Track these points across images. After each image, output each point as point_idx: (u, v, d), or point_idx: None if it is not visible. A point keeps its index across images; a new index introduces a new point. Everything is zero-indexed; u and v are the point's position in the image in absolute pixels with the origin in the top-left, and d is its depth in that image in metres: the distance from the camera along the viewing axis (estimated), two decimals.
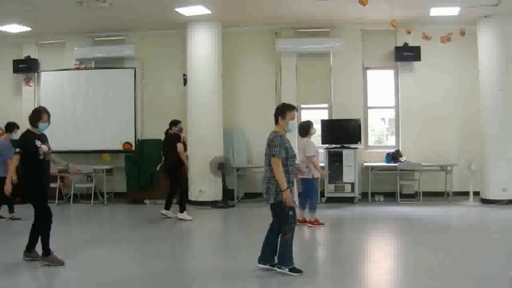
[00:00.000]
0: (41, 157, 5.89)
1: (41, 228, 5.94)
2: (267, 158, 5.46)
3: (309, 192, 8.28)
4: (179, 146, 9.08)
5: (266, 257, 5.57)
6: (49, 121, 6.07)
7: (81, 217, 10.01)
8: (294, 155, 5.53)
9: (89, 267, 5.99)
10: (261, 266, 5.57)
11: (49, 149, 6.04)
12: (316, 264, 6.41)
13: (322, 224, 8.31)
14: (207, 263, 6.33)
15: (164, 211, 9.29)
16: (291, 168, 5.46)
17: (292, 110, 5.57)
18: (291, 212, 5.41)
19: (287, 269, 5.41)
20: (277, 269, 5.47)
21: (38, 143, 5.90)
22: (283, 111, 5.56)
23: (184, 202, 9.26)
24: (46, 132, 6.17)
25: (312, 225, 8.24)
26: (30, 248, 6.02)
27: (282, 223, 5.45)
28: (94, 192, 11.14)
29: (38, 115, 6.00)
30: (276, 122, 5.58)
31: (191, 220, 9.07)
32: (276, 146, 5.33)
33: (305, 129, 8.37)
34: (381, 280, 5.54)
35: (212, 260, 6.59)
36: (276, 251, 5.52)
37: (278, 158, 5.30)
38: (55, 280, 5.63)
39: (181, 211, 9.14)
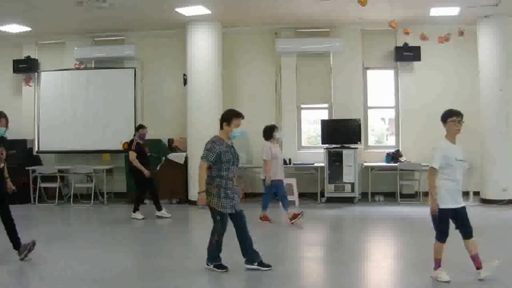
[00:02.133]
0: None
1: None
2: None
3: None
4: (130, 154, 9.16)
5: (246, 257, 5.62)
6: (7, 126, 6.32)
7: (81, 217, 10.01)
8: (231, 160, 5.51)
9: (87, 267, 5.99)
10: (248, 266, 5.60)
11: (1, 153, 6.13)
12: (316, 264, 6.41)
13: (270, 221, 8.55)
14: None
15: (158, 213, 9.30)
16: (225, 173, 5.47)
17: (238, 117, 5.71)
18: (218, 217, 5.48)
19: (212, 265, 5.56)
20: (206, 266, 5.61)
21: None
22: (230, 118, 5.67)
23: (138, 203, 9.30)
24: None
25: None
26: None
27: (214, 226, 5.55)
28: (94, 192, 11.14)
29: None
30: (221, 127, 5.69)
31: (144, 219, 9.14)
32: (205, 149, 5.48)
33: (267, 132, 8.61)
34: (381, 280, 5.54)
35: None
36: (249, 248, 5.59)
37: (203, 161, 5.41)
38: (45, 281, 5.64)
39: (134, 210, 9.23)
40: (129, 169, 9.45)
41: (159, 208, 9.30)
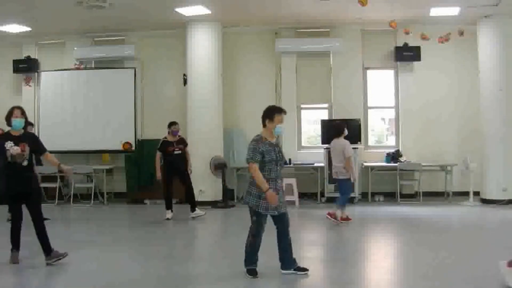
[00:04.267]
0: (9, 159, 5.76)
1: (13, 228, 5.95)
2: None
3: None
4: (157, 155, 9.16)
5: (284, 263, 5.50)
6: (23, 116, 5.95)
7: (81, 217, 10.00)
8: (273, 160, 5.27)
9: (88, 268, 5.98)
10: (284, 272, 5.48)
11: (23, 151, 5.83)
12: (316, 264, 6.41)
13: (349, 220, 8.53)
14: (206, 265, 6.33)
15: (192, 214, 9.24)
16: (267, 174, 5.25)
17: (280, 113, 5.38)
18: (254, 217, 5.36)
19: (245, 269, 5.42)
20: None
21: (8, 145, 5.76)
22: (272, 114, 5.36)
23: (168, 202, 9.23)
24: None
25: (340, 221, 8.44)
26: (12, 247, 5.98)
27: (251, 227, 5.43)
28: (94, 192, 11.13)
29: (9, 112, 5.92)
30: (264, 125, 5.39)
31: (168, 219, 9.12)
32: (249, 150, 5.27)
33: (341, 129, 8.60)
34: (381, 280, 5.54)
35: (212, 262, 6.59)
36: (289, 253, 5.47)
37: (251, 162, 5.23)
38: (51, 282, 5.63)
39: (167, 208, 9.20)
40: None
41: (193, 209, 9.24)
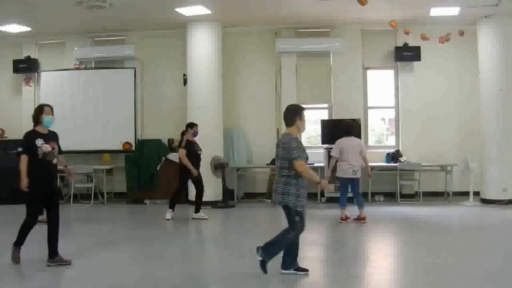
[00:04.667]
0: (40, 157, 5.69)
1: (26, 226, 5.78)
2: (281, 161, 5.30)
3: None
4: (180, 151, 9.04)
5: (286, 263, 5.48)
6: (52, 114, 5.90)
7: (81, 217, 10.00)
8: (307, 157, 5.39)
9: (90, 270, 5.98)
10: (284, 272, 5.46)
11: (53, 149, 5.81)
12: (316, 264, 6.41)
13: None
14: (210, 266, 6.33)
15: (195, 215, 9.23)
16: None
17: (304, 110, 5.49)
18: (297, 218, 5.28)
19: (260, 259, 5.30)
20: (282, 271, 5.40)
21: (39, 142, 5.71)
22: (301, 112, 5.39)
23: (174, 203, 9.19)
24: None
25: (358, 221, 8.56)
26: (16, 242, 5.82)
27: (290, 227, 5.36)
28: (94, 192, 11.13)
29: (39, 109, 5.84)
30: (293, 123, 5.36)
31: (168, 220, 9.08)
32: (294, 149, 5.19)
33: (351, 128, 8.72)
34: (381, 280, 5.54)
35: (215, 262, 6.59)
36: (295, 255, 5.47)
37: (300, 159, 5.19)
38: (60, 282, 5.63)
39: (170, 207, 9.15)
40: (179, 168, 9.16)
41: (197, 210, 9.23)
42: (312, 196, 11.09)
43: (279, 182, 5.32)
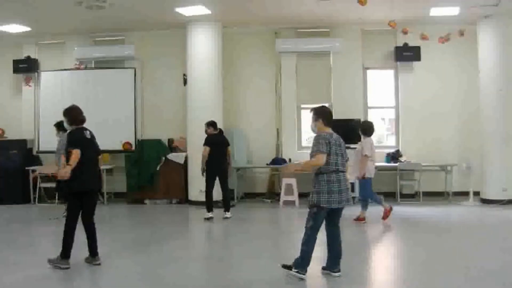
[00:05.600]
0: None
1: (68, 228, 5.70)
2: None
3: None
4: (204, 149, 8.94)
5: (328, 264, 5.59)
6: None
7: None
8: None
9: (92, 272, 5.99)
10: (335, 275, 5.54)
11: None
12: (316, 264, 6.41)
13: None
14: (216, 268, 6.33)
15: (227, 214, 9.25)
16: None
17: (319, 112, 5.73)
18: (315, 209, 5.35)
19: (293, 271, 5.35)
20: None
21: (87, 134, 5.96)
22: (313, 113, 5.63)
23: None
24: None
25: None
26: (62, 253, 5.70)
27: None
28: None
29: (72, 109, 6.24)
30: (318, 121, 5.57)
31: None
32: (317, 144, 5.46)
33: (371, 128, 8.65)
34: (381, 280, 5.54)
35: (218, 264, 6.59)
36: (338, 256, 5.56)
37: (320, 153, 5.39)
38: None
39: (208, 210, 9.13)
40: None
41: (226, 210, 9.24)
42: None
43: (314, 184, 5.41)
